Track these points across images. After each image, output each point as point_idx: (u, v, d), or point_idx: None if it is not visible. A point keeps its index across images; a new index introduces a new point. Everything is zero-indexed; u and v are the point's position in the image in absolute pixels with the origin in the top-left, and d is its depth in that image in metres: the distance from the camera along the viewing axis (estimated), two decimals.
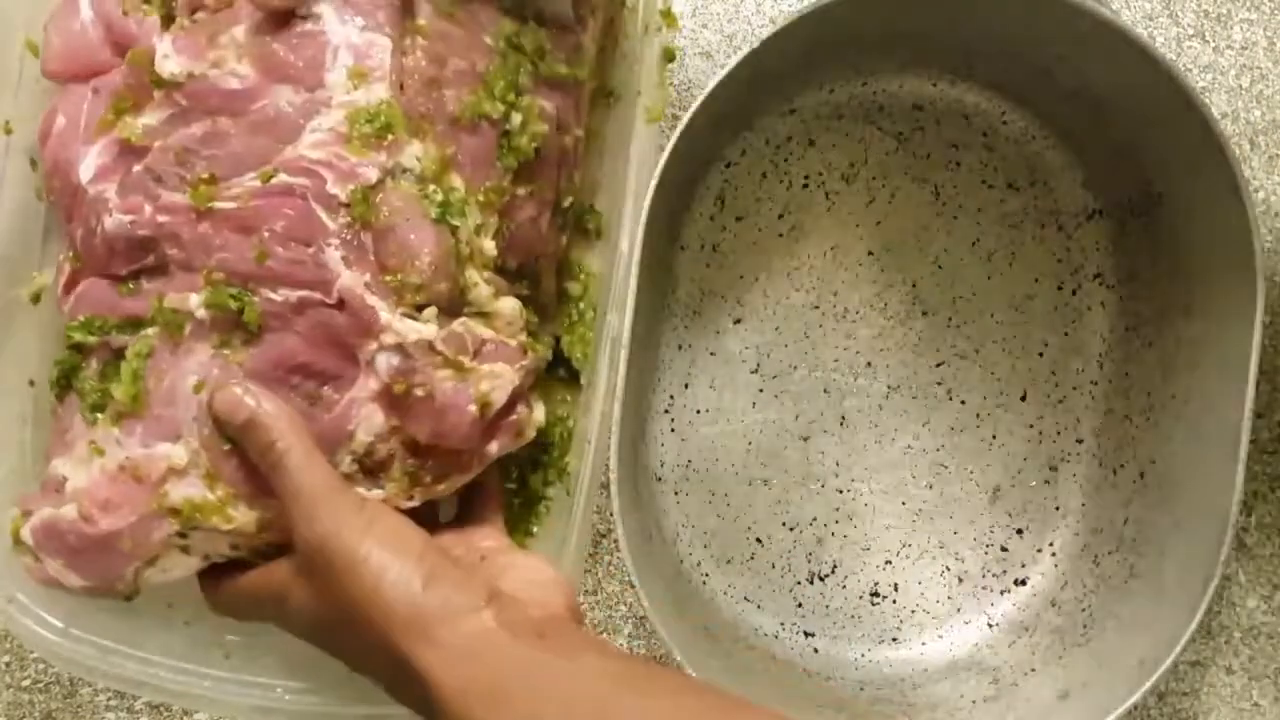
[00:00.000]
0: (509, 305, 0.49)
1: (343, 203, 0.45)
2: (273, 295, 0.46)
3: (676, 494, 0.62)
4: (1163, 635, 0.55)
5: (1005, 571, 0.63)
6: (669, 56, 0.53)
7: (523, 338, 0.50)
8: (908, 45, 0.59)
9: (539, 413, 0.51)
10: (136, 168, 0.47)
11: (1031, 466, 0.63)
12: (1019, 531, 0.63)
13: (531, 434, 0.50)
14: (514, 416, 0.49)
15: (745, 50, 0.52)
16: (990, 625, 0.63)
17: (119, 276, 0.49)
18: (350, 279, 0.45)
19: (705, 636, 0.58)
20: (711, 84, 0.52)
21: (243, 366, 0.46)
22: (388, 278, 0.46)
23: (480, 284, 0.48)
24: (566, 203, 0.53)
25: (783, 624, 0.62)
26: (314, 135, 0.45)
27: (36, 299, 0.54)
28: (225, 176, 0.46)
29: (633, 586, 0.53)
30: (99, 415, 0.48)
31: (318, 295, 0.46)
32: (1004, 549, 0.63)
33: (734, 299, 0.62)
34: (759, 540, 0.62)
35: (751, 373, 0.62)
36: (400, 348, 0.46)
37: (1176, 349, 0.59)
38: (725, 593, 0.62)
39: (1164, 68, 0.53)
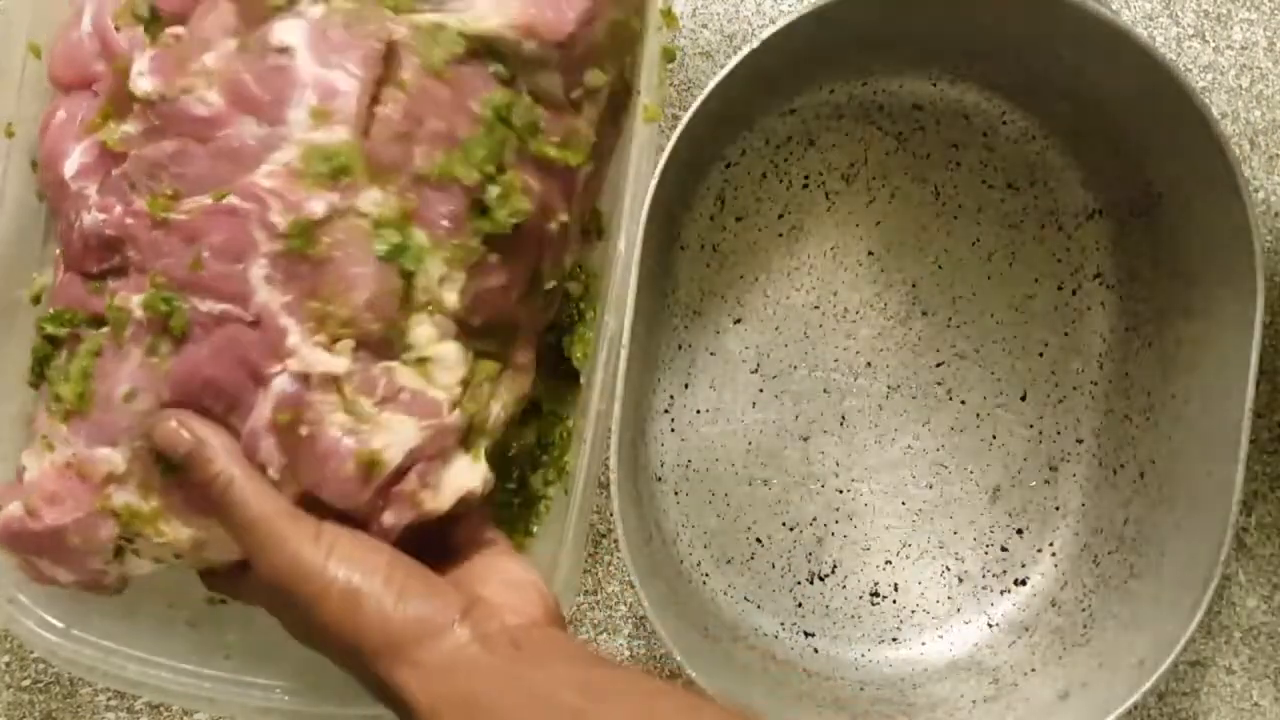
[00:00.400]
0: (450, 350, 0.47)
1: (281, 232, 0.45)
2: (200, 305, 0.45)
3: (676, 494, 0.62)
4: (1163, 635, 0.55)
5: (1005, 571, 0.63)
6: (669, 56, 0.53)
7: (456, 392, 0.48)
8: (908, 45, 0.59)
9: (464, 479, 0.48)
10: (115, 171, 0.48)
11: (1031, 466, 0.63)
12: (1019, 531, 0.63)
13: (435, 507, 0.47)
14: (405, 486, 0.47)
15: (745, 50, 0.52)
16: (990, 625, 0.63)
17: (90, 274, 0.49)
18: (268, 296, 0.45)
19: (705, 636, 0.59)
20: (711, 84, 0.52)
21: (166, 376, 0.46)
22: (314, 304, 0.45)
23: (425, 325, 0.47)
24: (549, 285, 0.52)
25: (783, 624, 0.62)
26: (269, 167, 0.45)
27: (37, 300, 0.54)
28: (188, 194, 0.46)
29: (633, 586, 0.53)
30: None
31: (237, 310, 0.45)
32: (1004, 549, 0.63)
33: (734, 299, 0.62)
34: (759, 540, 0.62)
35: (751, 373, 0.62)
36: (303, 377, 0.45)
37: (1176, 349, 0.59)
38: (725, 593, 0.62)
39: (1164, 68, 0.53)
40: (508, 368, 0.51)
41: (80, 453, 0.47)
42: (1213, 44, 0.63)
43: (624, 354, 0.52)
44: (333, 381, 0.45)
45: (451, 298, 0.47)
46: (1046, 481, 0.63)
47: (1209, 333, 0.57)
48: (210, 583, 0.51)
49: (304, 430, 0.45)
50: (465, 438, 0.48)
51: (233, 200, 0.45)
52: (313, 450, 0.45)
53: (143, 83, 0.47)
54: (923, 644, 0.63)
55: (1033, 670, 0.60)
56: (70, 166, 0.49)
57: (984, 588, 0.63)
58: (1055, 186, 0.62)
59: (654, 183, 0.52)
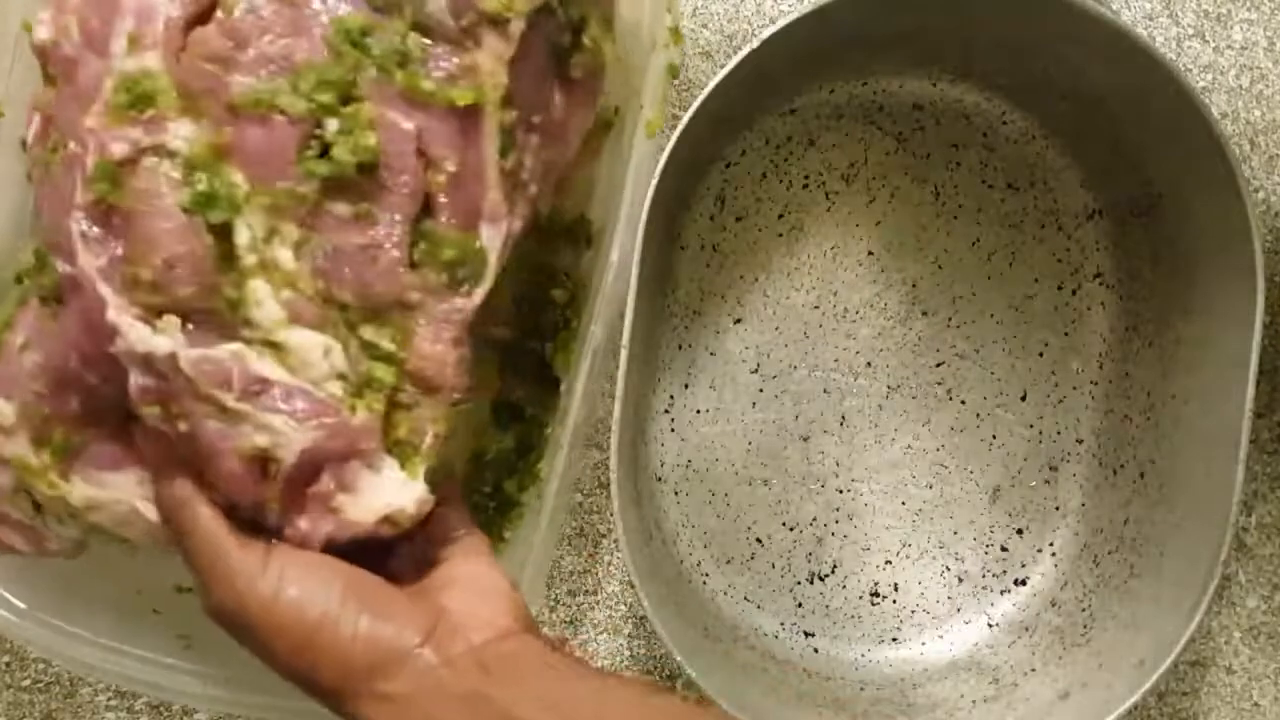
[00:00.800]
0: (305, 340, 0.42)
1: (89, 177, 0.40)
2: (60, 265, 0.42)
3: (676, 494, 0.62)
4: (1163, 635, 0.55)
5: (1005, 571, 0.63)
6: (673, 73, 0.53)
7: (334, 389, 0.42)
8: (908, 45, 0.59)
9: (394, 495, 0.43)
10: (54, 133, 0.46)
11: (1031, 466, 0.63)
12: (1019, 531, 0.63)
13: (357, 518, 0.43)
14: (320, 487, 0.42)
15: (745, 50, 0.52)
16: (990, 625, 0.63)
17: None
18: (84, 258, 0.40)
19: (705, 636, 0.59)
20: (711, 84, 0.52)
21: (57, 337, 0.43)
22: (127, 268, 0.40)
23: (266, 301, 0.41)
24: (447, 255, 0.44)
25: (783, 624, 0.62)
26: (96, 105, 0.41)
27: (20, 280, 0.53)
28: (64, 145, 0.43)
29: (633, 586, 0.53)
30: None
31: (74, 273, 0.41)
32: (1004, 549, 0.63)
33: (734, 299, 0.62)
34: (759, 540, 0.62)
35: (751, 373, 0.62)
36: (147, 363, 0.40)
37: (1176, 349, 0.59)
38: (725, 593, 0.62)
39: (1164, 68, 0.53)
40: (408, 365, 0.44)
41: None
42: (1213, 44, 0.63)
43: (624, 354, 0.52)
44: (175, 368, 0.40)
45: (285, 256, 0.41)
46: (1046, 481, 0.63)
47: (1209, 332, 0.57)
48: None
49: (183, 426, 0.41)
50: (393, 449, 0.44)
51: (70, 147, 0.42)
52: (197, 448, 0.41)
53: (40, 31, 0.44)
54: (923, 644, 0.63)
55: (1033, 670, 0.60)
56: (30, 135, 0.48)
57: (984, 588, 0.63)
58: (1055, 186, 0.62)
59: (654, 183, 0.52)
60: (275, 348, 0.41)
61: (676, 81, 0.62)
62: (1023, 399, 0.63)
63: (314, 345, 0.42)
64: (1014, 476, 0.63)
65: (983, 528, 0.63)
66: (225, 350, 0.41)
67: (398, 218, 0.43)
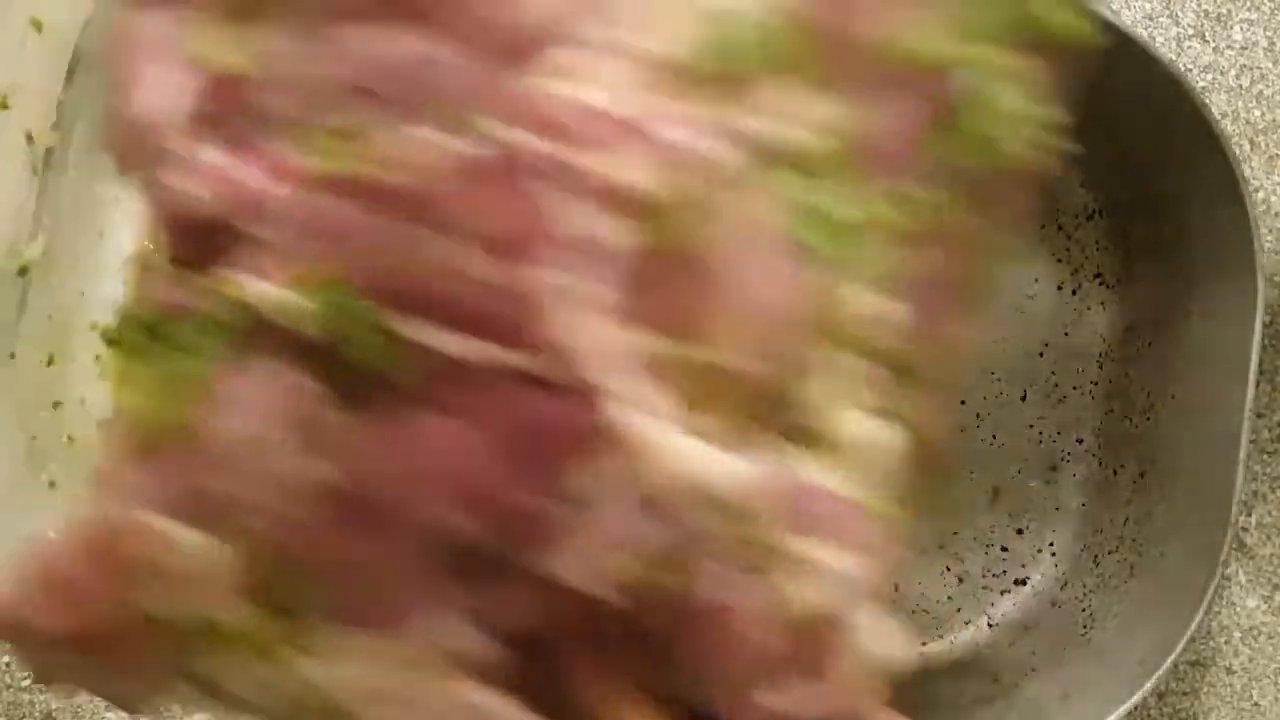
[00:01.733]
0: (870, 431, 0.26)
1: (624, 200, 0.22)
2: (442, 341, 0.23)
3: None
4: (1163, 635, 0.55)
5: (1005, 571, 0.63)
6: None
7: (874, 500, 0.27)
8: None
9: (885, 645, 0.26)
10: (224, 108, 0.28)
11: (1031, 466, 0.63)
12: (1019, 531, 0.63)
13: (853, 684, 0.25)
14: (826, 650, 0.25)
15: None
16: (990, 625, 0.63)
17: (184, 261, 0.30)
18: (589, 333, 0.22)
19: None
20: None
21: (353, 450, 0.23)
22: (668, 344, 0.23)
23: (834, 374, 0.25)
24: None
25: None
26: (572, 53, 0.23)
27: (23, 271, 0.53)
28: (375, 128, 0.24)
29: None
30: None
31: (522, 359, 0.23)
32: (1004, 549, 0.63)
33: None
34: None
35: None
36: (685, 502, 0.23)
37: (1176, 349, 0.59)
38: None
39: (1164, 68, 0.53)
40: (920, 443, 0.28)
41: (133, 514, 0.25)
42: (1213, 44, 0.63)
43: None
44: (719, 500, 0.23)
45: (888, 310, 0.25)
46: (1046, 481, 0.63)
47: (1209, 333, 0.57)
48: None
49: (702, 590, 0.24)
50: None
51: (494, 128, 0.22)
52: (677, 612, 0.24)
53: None
54: (923, 644, 0.63)
55: (1033, 670, 0.60)
56: (148, 102, 0.29)
57: (984, 588, 0.63)
58: (1055, 186, 0.62)
59: None
60: (827, 445, 0.26)
61: None
62: (1023, 399, 0.63)
63: (880, 437, 0.27)
64: (1014, 476, 0.63)
65: (983, 528, 0.63)
66: (780, 460, 0.25)
67: (992, 228, 0.28)
